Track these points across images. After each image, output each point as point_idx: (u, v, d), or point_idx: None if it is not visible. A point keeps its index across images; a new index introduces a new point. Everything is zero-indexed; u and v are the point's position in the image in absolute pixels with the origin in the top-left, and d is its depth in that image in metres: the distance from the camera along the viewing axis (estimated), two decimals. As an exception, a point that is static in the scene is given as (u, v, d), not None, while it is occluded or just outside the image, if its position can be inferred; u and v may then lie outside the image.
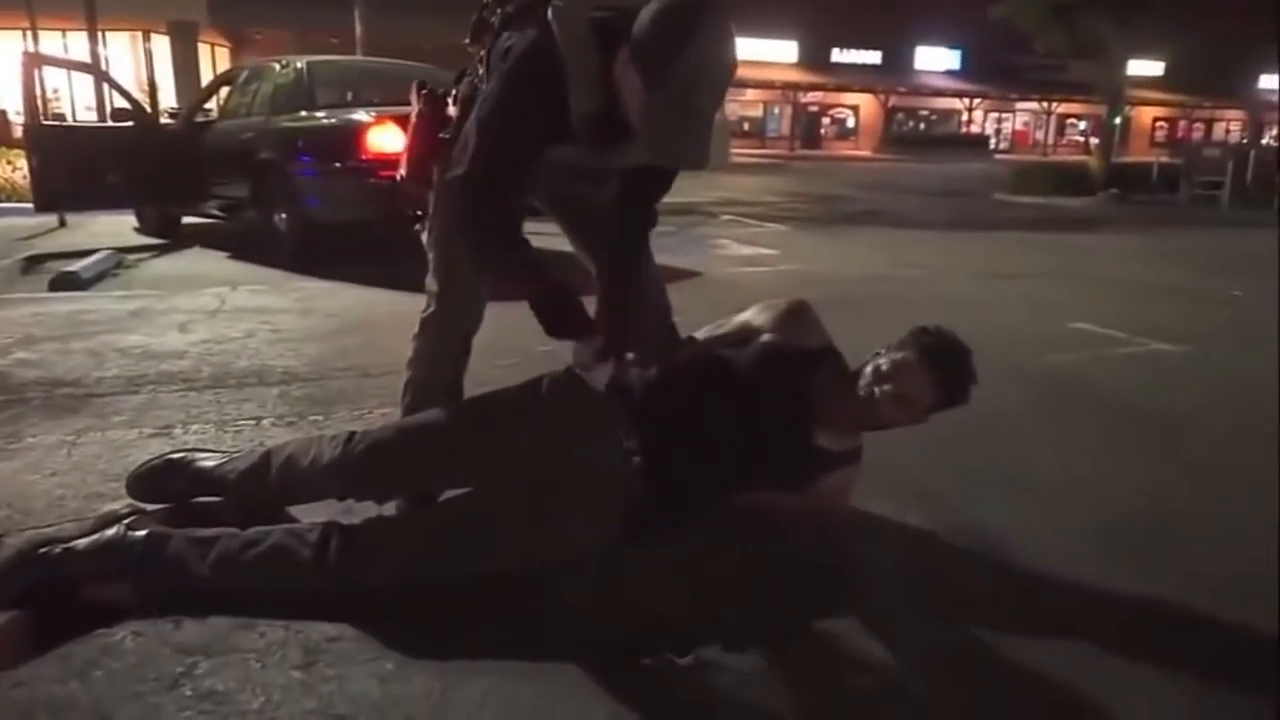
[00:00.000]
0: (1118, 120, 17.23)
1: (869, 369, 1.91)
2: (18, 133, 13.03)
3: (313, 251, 5.56)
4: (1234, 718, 1.46)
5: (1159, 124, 43.87)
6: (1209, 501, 2.33)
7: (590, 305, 1.90)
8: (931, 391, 1.86)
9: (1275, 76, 36.04)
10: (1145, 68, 34.07)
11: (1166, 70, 37.22)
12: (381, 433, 1.86)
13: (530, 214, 1.99)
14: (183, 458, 1.95)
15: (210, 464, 1.92)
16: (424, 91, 2.06)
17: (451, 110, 1.99)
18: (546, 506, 1.71)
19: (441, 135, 1.98)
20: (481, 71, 1.90)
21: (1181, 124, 44.27)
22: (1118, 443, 2.77)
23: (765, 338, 2.04)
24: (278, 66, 6.46)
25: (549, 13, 1.71)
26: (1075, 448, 2.72)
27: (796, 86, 36.83)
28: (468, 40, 1.96)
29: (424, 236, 2.05)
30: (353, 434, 1.84)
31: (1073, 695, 1.47)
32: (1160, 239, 9.23)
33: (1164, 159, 18.29)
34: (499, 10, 1.87)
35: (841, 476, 2.00)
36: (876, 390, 1.86)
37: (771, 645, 1.58)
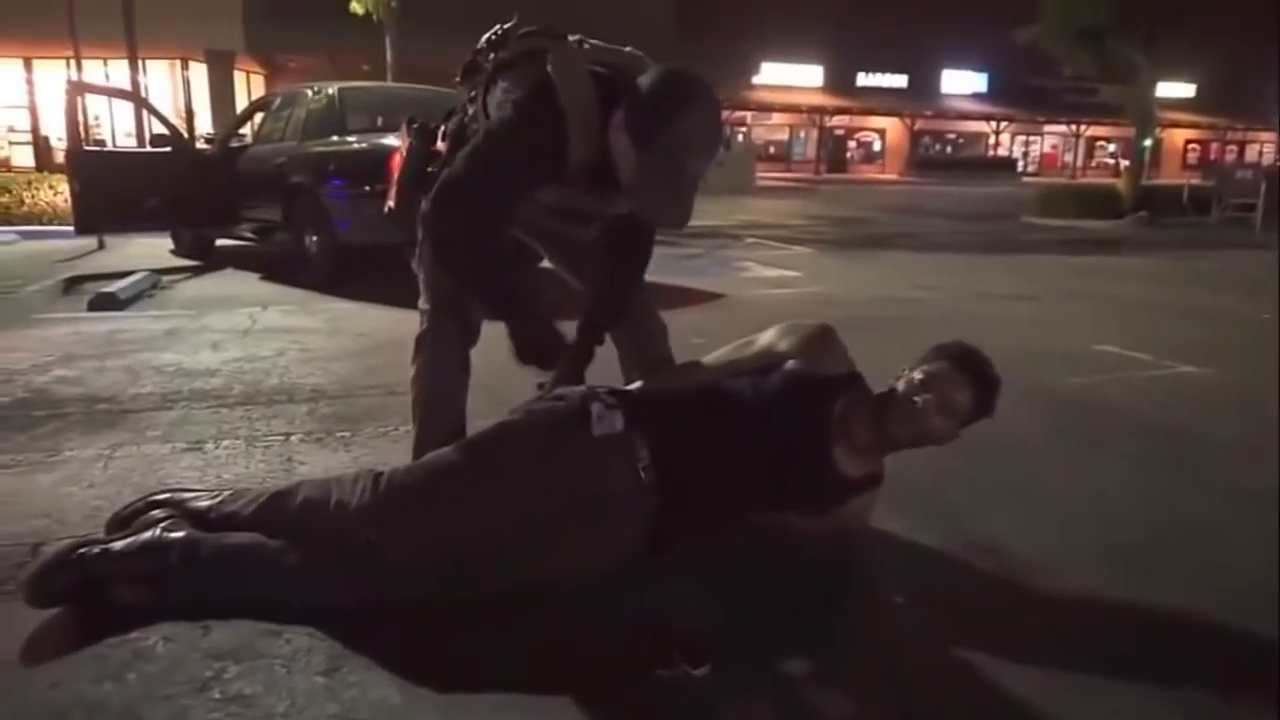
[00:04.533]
0: (1148, 143, 17.08)
1: (901, 384, 1.90)
2: (60, 158, 13.41)
3: (342, 273, 5.67)
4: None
5: (1191, 146, 43.39)
6: (1228, 522, 2.31)
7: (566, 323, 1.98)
8: (969, 396, 1.86)
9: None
10: (1176, 90, 33.82)
11: (1198, 92, 36.92)
12: (408, 476, 1.80)
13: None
14: (168, 498, 1.86)
15: (202, 504, 1.82)
16: (413, 126, 2.15)
17: (440, 145, 2.07)
18: (563, 533, 1.73)
19: (429, 169, 2.06)
20: (471, 111, 1.98)
21: (1214, 146, 43.76)
22: (1138, 464, 2.75)
23: (789, 365, 2.01)
24: (310, 93, 6.63)
25: (548, 65, 1.79)
26: (1095, 469, 2.71)
27: (822, 110, 36.91)
28: (458, 79, 2.04)
29: (413, 262, 2.12)
30: (379, 475, 1.78)
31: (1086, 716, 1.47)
32: (1190, 262, 9.14)
33: (1195, 181, 18.11)
34: (492, 55, 1.94)
35: (861, 501, 2.00)
36: (918, 399, 1.85)
37: (784, 660, 1.60)
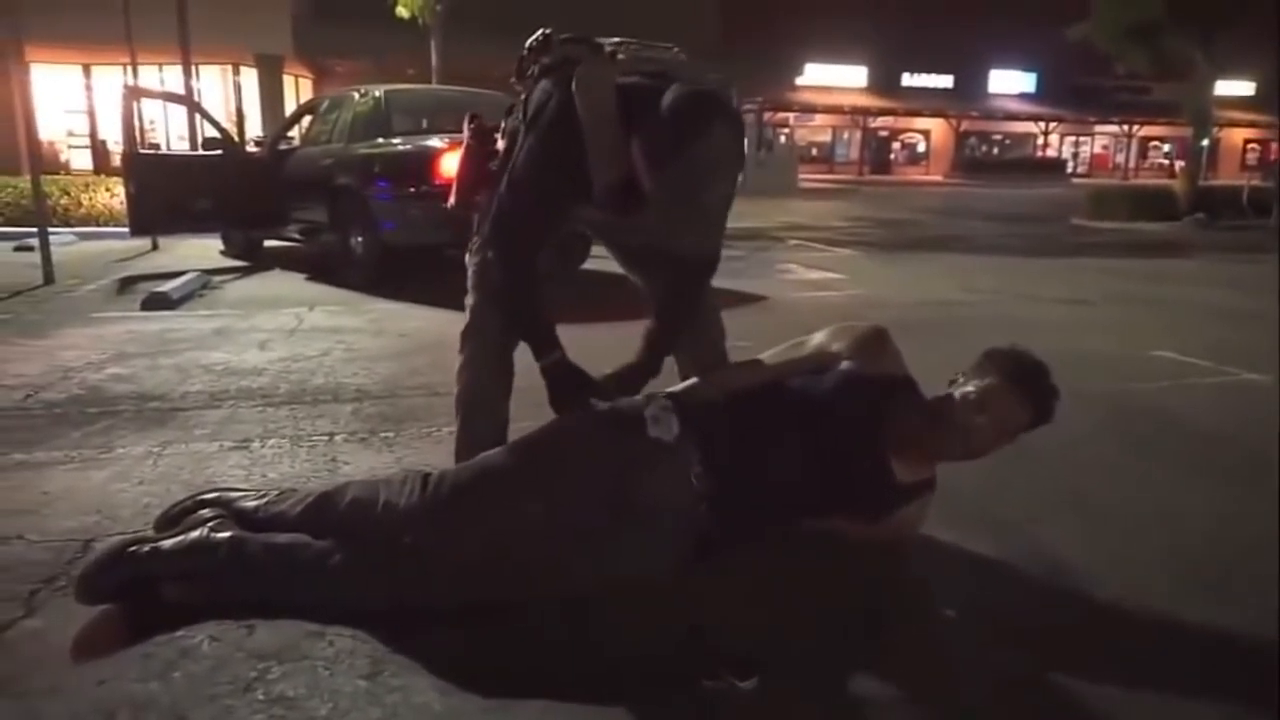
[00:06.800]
0: (1205, 142, 16.61)
1: (955, 398, 1.84)
2: (116, 161, 13.77)
3: (386, 273, 5.72)
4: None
5: (1250, 146, 42.06)
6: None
7: (636, 327, 1.97)
8: (1023, 412, 1.80)
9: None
10: (1235, 88, 32.81)
11: (1258, 90, 35.77)
12: (456, 478, 1.80)
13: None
14: (216, 498, 1.86)
15: (250, 504, 1.82)
16: (473, 125, 2.16)
17: (500, 143, 2.08)
18: (612, 537, 1.71)
19: (490, 166, 2.08)
20: (521, 114, 1.99)
21: (1274, 146, 42.37)
22: (1199, 474, 2.65)
23: (843, 365, 1.97)
24: (357, 95, 6.69)
25: (573, 82, 1.76)
26: (1153, 478, 2.61)
27: (866, 111, 36.48)
28: (514, 79, 2.04)
29: (467, 256, 2.13)
30: (427, 476, 1.78)
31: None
32: (1251, 265, 8.85)
33: (1255, 182, 17.56)
34: (538, 60, 1.94)
35: (914, 508, 1.95)
36: (976, 419, 1.79)
37: (832, 673, 1.56)
